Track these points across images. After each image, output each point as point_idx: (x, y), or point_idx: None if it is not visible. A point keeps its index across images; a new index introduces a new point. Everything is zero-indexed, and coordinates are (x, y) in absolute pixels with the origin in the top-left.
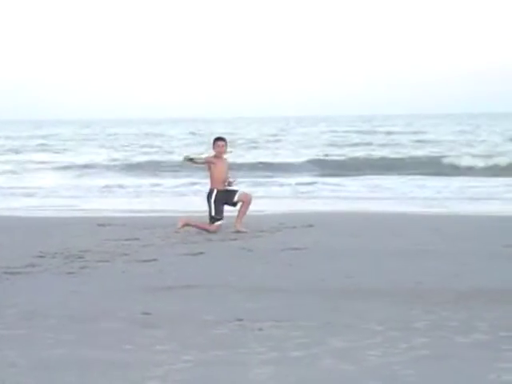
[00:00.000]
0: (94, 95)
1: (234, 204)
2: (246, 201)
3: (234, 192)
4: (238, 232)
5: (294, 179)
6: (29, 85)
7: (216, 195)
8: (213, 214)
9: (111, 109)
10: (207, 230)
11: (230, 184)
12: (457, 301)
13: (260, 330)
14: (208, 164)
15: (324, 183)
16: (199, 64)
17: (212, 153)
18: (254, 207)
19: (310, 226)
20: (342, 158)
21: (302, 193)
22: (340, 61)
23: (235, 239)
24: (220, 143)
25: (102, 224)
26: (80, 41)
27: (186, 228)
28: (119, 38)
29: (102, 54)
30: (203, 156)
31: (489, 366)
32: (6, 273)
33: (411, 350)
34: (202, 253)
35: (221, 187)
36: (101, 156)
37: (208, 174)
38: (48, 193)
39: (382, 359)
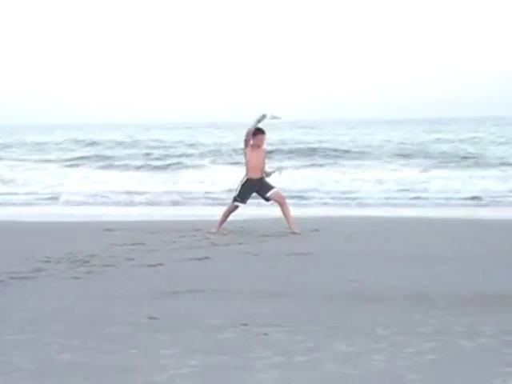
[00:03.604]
0: (92, 99)
1: (267, 199)
2: (281, 201)
3: (268, 186)
4: (294, 234)
5: None
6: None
7: (246, 181)
8: (235, 194)
9: (114, 113)
10: (227, 211)
11: (267, 175)
12: (462, 305)
13: (265, 334)
14: (245, 153)
15: None
16: (197, 68)
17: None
18: (261, 211)
19: (316, 230)
20: None
21: None
22: (343, 64)
23: (240, 243)
24: (260, 136)
25: (108, 229)
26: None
27: (193, 233)
28: (118, 41)
29: (101, 58)
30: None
31: (494, 370)
32: (12, 278)
33: (416, 355)
34: (207, 257)
35: (253, 176)
36: None
37: (244, 162)
38: None
39: (387, 364)
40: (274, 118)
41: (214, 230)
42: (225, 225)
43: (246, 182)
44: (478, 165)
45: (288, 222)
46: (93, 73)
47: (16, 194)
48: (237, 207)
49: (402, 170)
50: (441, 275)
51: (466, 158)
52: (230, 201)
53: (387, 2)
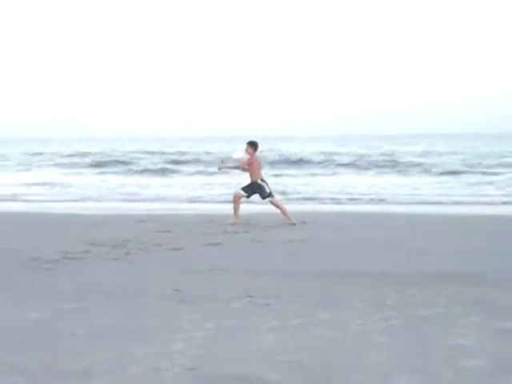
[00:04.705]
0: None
1: (263, 198)
2: (277, 206)
3: (264, 193)
4: (292, 224)
5: None
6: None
7: (250, 183)
8: (241, 187)
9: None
10: (236, 201)
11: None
12: (422, 282)
13: (266, 304)
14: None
15: None
16: (206, 85)
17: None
18: (264, 207)
19: (304, 223)
20: None
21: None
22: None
23: (247, 232)
24: (245, 147)
25: (141, 220)
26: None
27: (207, 224)
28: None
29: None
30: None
31: (446, 332)
32: (65, 258)
33: (384, 321)
34: (219, 243)
35: (253, 179)
36: None
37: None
38: None
39: (361, 328)
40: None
41: (232, 221)
42: (235, 217)
43: (250, 183)
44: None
45: (286, 215)
46: (103, 89)
47: (66, 193)
48: (242, 195)
49: (380, 176)
50: (407, 259)
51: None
52: (237, 190)
53: (406, 22)
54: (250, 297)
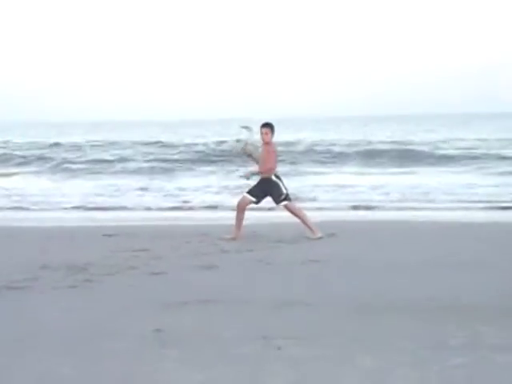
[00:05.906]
0: (102, 96)
1: (278, 202)
2: (292, 211)
3: (282, 194)
4: (319, 238)
5: None
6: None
7: (260, 181)
8: (248, 189)
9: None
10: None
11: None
12: (497, 316)
13: (279, 348)
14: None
15: None
16: (200, 66)
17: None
18: (272, 214)
19: (332, 235)
20: None
21: None
22: (340, 62)
23: (252, 250)
24: (262, 130)
25: (107, 234)
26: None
27: (199, 238)
28: (122, 40)
29: (106, 56)
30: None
31: None
32: (6, 287)
33: (445, 371)
34: (216, 266)
35: (269, 175)
36: None
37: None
38: None
39: (413, 381)
40: (245, 128)
41: (232, 236)
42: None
43: (260, 181)
44: None
45: (308, 227)
46: (107, 72)
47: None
48: (250, 201)
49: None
50: (474, 284)
51: None
52: (243, 195)
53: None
54: (258, 338)
